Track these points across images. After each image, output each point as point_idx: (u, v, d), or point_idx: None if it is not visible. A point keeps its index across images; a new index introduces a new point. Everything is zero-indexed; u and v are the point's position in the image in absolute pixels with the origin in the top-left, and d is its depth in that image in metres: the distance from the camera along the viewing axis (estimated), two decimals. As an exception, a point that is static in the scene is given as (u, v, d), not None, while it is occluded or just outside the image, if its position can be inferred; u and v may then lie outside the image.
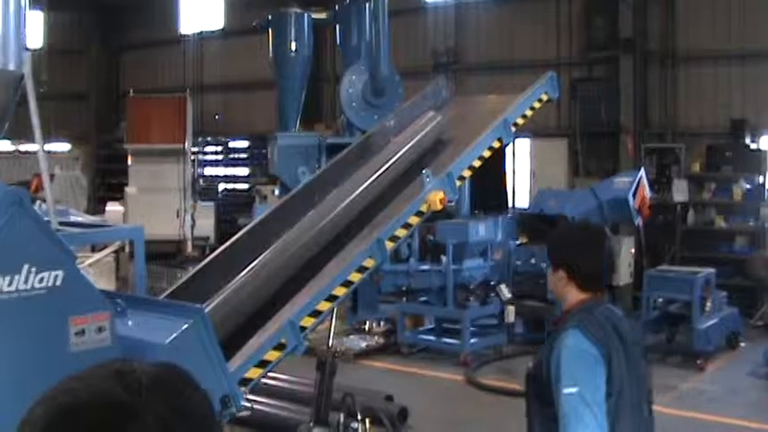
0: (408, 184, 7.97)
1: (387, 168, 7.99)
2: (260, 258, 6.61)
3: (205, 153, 26.03)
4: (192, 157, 21.86)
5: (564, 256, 4.56)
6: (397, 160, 8.14)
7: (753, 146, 17.34)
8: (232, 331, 6.04)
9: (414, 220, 7.46)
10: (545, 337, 4.54)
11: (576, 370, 4.15)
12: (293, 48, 17.05)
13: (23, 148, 23.44)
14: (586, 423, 4.05)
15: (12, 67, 6.74)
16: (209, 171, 26.09)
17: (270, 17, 17.54)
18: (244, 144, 26.01)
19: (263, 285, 6.38)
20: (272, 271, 6.43)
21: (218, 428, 1.48)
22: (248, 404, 5.64)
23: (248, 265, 6.59)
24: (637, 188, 15.45)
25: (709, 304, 13.75)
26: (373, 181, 7.78)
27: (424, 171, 7.66)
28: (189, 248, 19.99)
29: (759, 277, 15.90)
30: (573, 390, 4.09)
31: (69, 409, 1.35)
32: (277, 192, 16.73)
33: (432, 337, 14.55)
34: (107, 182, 27.37)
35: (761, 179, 16.87)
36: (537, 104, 9.53)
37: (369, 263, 6.95)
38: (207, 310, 5.59)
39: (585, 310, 4.40)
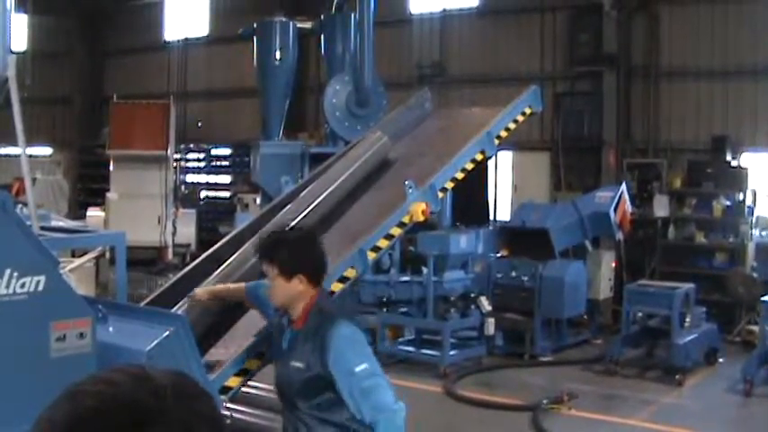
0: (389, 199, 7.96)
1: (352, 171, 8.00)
2: (245, 265, 6.59)
3: (187, 160, 25.98)
4: (174, 164, 21.81)
5: (302, 262, 4.92)
6: (360, 164, 8.15)
7: (734, 163, 17.42)
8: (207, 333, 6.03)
9: (396, 230, 7.45)
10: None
11: (359, 351, 4.76)
12: (278, 56, 17.08)
13: (4, 151, 23.36)
14: (384, 387, 4.69)
15: (-4, 70, 6.73)
16: (190, 178, 26.02)
17: (255, 25, 17.57)
18: (226, 152, 25.98)
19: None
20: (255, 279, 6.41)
21: None
22: (228, 413, 5.63)
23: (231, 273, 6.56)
24: (618, 203, 15.53)
25: (688, 319, 13.80)
26: (338, 184, 7.79)
27: (406, 182, 7.65)
28: (169, 255, 19.95)
29: (738, 293, 15.97)
30: (364, 366, 4.68)
31: (96, 410, 1.37)
32: (258, 200, 16.74)
33: (411, 349, 14.55)
34: (88, 187, 27.26)
35: (741, 196, 16.94)
36: (520, 117, 9.54)
37: (350, 273, 6.94)
38: (184, 307, 5.60)
39: (328, 304, 5.05)
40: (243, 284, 5.88)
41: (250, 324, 5.85)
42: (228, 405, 5.78)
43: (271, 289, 4.99)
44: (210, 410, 1.47)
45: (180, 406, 1.40)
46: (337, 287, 6.79)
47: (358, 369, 4.65)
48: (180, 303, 6.03)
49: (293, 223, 6.78)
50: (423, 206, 7.50)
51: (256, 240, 5.60)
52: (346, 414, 4.75)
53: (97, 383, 1.42)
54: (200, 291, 5.96)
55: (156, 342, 4.90)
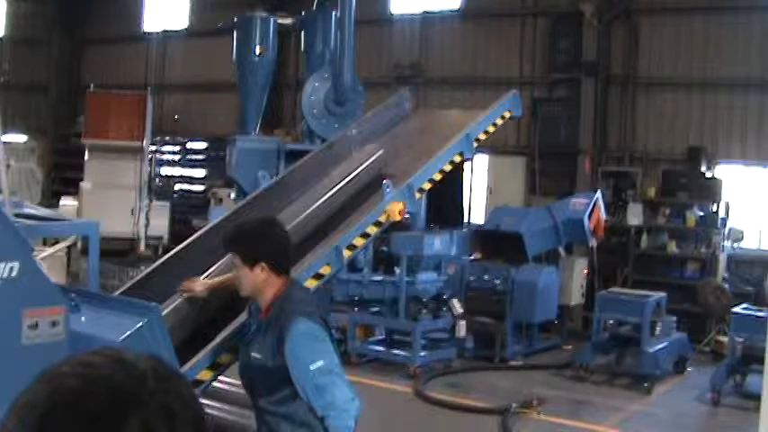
0: (368, 198, 7.92)
1: (348, 181, 7.93)
2: (220, 263, 6.55)
3: (162, 152, 25.83)
4: (150, 156, 21.71)
5: (265, 249, 4.95)
6: (357, 175, 8.08)
7: (708, 174, 17.50)
8: (189, 336, 5.97)
9: (372, 229, 7.45)
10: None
11: (315, 348, 4.74)
12: (257, 51, 17.00)
13: (-22, 137, 23.17)
14: (338, 384, 4.69)
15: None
16: (165, 171, 25.87)
17: (235, 19, 17.49)
18: (201, 145, 25.84)
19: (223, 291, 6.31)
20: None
21: (208, 417, 1.48)
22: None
23: (206, 267, 6.52)
24: (592, 210, 15.56)
25: (658, 328, 13.86)
26: (335, 192, 7.72)
27: (384, 181, 7.65)
28: (142, 247, 19.85)
29: (708, 304, 16.04)
30: (320, 363, 4.67)
31: (76, 392, 1.34)
32: (233, 195, 16.67)
33: (382, 348, 14.54)
34: (62, 176, 27.08)
35: (714, 207, 17.02)
36: (499, 121, 9.57)
37: (325, 270, 6.93)
38: (164, 312, 5.54)
39: (294, 296, 4.96)
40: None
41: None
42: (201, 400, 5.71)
43: (238, 279, 5.06)
44: (189, 393, 1.45)
45: (160, 389, 1.39)
46: (312, 284, 6.79)
47: (313, 366, 4.67)
48: (172, 299, 5.98)
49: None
50: (400, 206, 7.51)
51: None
52: (304, 410, 4.79)
53: (76, 366, 1.39)
54: (198, 286, 5.94)
55: (129, 332, 4.86)
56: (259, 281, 4.94)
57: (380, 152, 8.42)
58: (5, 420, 1.37)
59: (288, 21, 18.30)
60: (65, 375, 1.37)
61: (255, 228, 5.12)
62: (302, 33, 17.34)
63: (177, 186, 25.64)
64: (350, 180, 7.96)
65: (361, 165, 8.18)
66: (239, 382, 6.83)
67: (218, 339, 5.80)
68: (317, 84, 14.45)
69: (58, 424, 1.32)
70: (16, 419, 1.35)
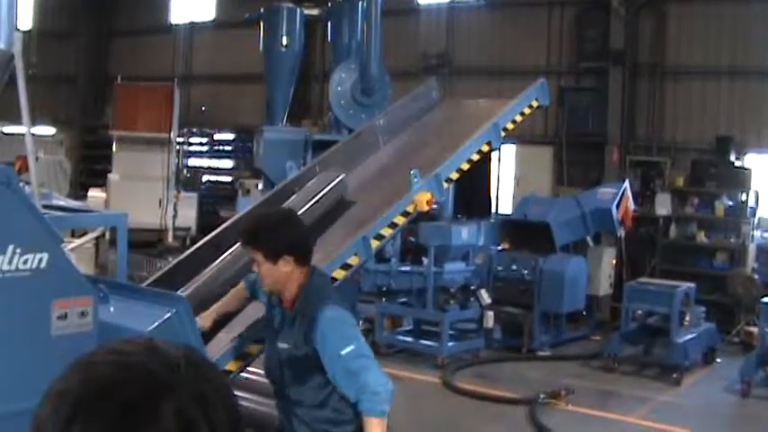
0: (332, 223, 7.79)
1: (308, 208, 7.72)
2: (223, 257, 6.58)
3: (190, 143, 25.91)
4: (177, 147, 21.77)
5: (287, 242, 4.92)
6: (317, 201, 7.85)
7: (737, 163, 17.38)
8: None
9: (400, 219, 7.43)
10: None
11: (344, 333, 4.76)
12: (284, 42, 17.01)
13: (8, 129, 23.29)
14: (370, 368, 4.69)
15: (2, 46, 6.67)
16: (193, 162, 25.96)
17: (262, 10, 17.50)
18: (229, 136, 25.93)
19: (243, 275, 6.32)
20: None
21: (239, 404, 1.48)
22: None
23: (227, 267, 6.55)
24: (620, 200, 15.51)
25: (687, 318, 13.79)
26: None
27: (412, 171, 7.62)
28: (170, 238, 19.91)
29: (737, 294, 15.95)
30: (350, 348, 4.69)
31: (110, 380, 1.35)
32: (260, 186, 16.70)
33: (410, 339, 14.54)
34: (90, 168, 27.20)
35: (744, 196, 16.90)
36: (527, 110, 9.51)
37: (353, 260, 6.92)
38: (186, 293, 5.56)
39: (318, 285, 5.01)
40: (239, 286, 5.91)
41: (258, 309, 5.81)
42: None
43: (260, 274, 5.02)
44: (222, 380, 1.46)
45: (193, 376, 1.39)
46: (340, 274, 6.78)
47: (344, 352, 4.67)
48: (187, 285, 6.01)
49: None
50: (428, 196, 7.49)
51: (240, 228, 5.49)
52: (336, 397, 4.80)
53: (108, 354, 1.40)
54: (206, 322, 5.74)
55: (157, 323, 4.87)
56: (283, 274, 4.90)
57: (341, 177, 8.21)
58: (39, 409, 1.37)
59: (315, 11, 18.29)
60: (98, 364, 1.38)
61: (275, 221, 5.07)
62: (329, 24, 17.35)
63: (205, 177, 25.71)
64: (310, 206, 7.73)
65: (321, 191, 7.91)
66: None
67: (234, 325, 5.81)
68: (344, 74, 14.43)
69: (91, 412, 1.32)
70: (50, 408, 1.35)
